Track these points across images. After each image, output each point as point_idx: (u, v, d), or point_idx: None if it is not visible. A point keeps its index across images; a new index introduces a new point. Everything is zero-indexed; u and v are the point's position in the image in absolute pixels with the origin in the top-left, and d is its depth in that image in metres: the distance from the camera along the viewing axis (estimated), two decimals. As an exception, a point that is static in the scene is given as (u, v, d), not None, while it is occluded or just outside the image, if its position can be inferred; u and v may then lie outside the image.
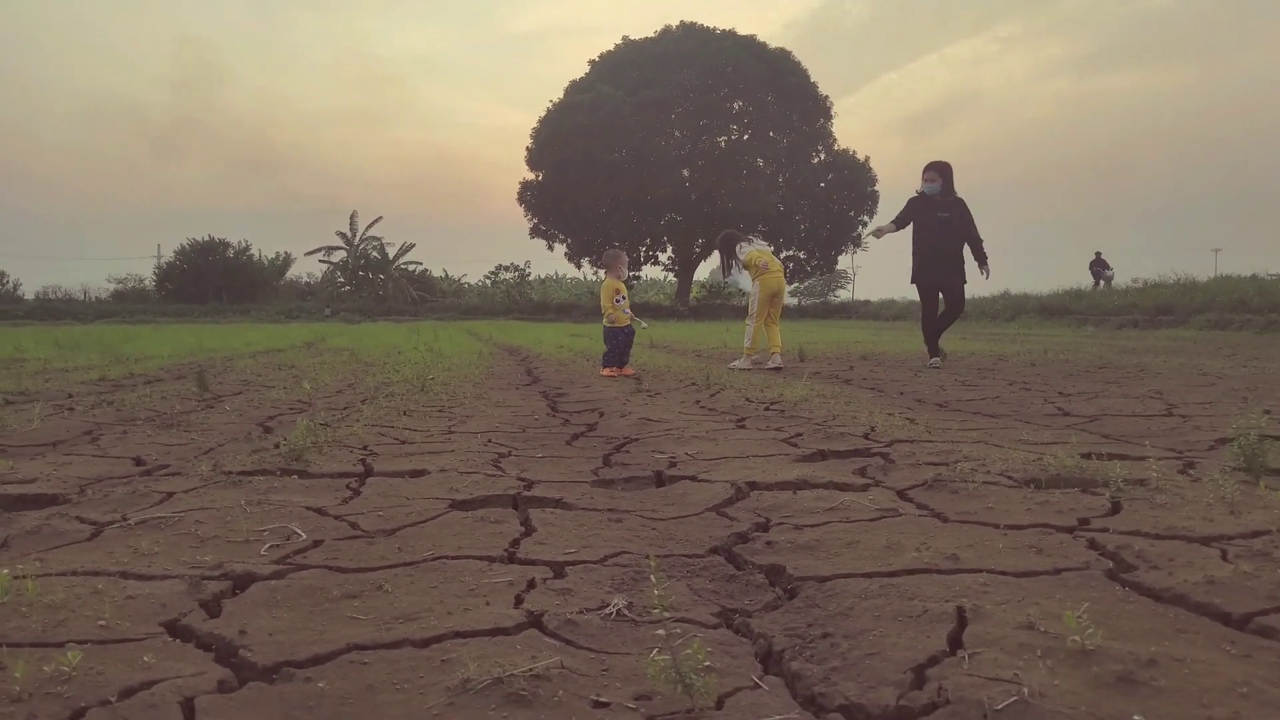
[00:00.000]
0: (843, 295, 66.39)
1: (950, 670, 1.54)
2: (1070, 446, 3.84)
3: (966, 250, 9.53)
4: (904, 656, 1.61)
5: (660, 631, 1.64)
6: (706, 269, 61.08)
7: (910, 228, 9.63)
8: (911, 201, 9.66)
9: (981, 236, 9.52)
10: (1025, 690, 1.42)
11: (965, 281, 9.63)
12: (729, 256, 10.25)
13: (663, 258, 52.75)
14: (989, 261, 9.55)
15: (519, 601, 1.97)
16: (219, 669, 1.62)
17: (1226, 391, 6.36)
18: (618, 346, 8.94)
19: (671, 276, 56.67)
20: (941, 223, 9.44)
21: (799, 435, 4.42)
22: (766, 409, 5.55)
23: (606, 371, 8.75)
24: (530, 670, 1.54)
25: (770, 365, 9.46)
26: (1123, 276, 32.55)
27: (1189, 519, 2.55)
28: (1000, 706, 1.38)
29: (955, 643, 1.68)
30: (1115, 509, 2.72)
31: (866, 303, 50.95)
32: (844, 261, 57.79)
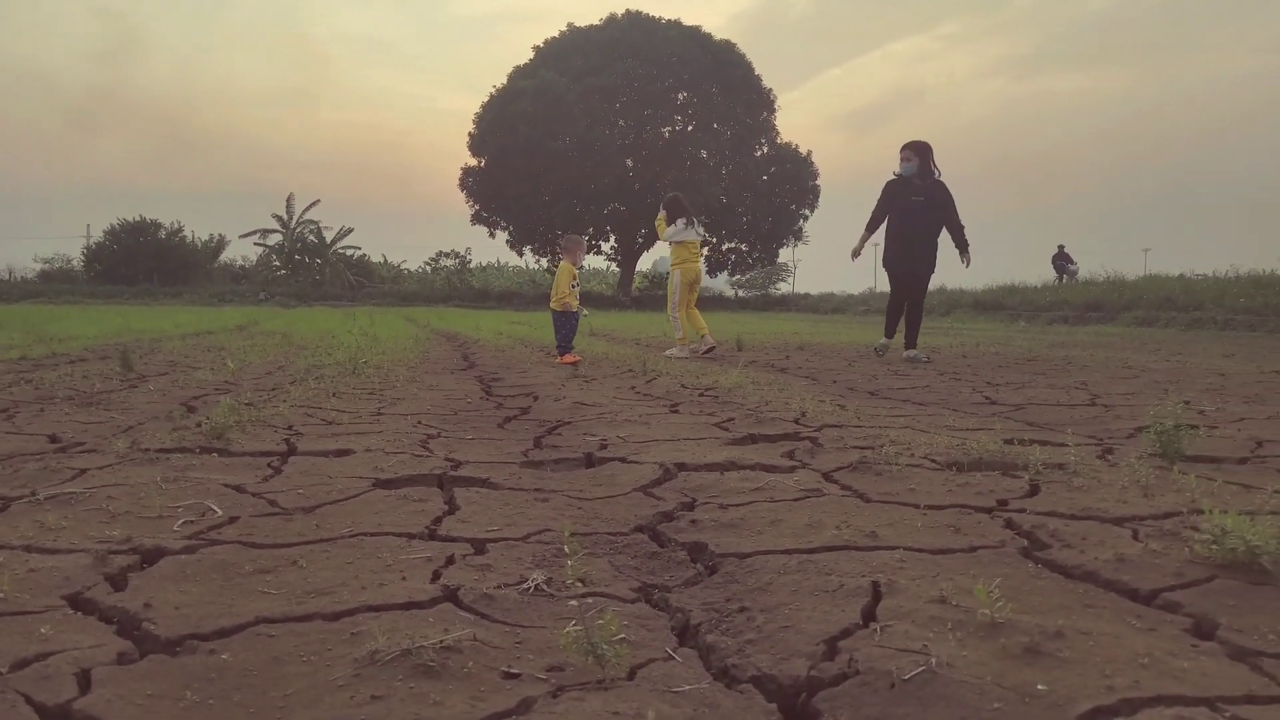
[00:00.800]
0: (783, 288, 66.84)
1: (862, 642, 1.55)
2: (994, 433, 3.90)
3: (944, 237, 9.06)
4: (817, 629, 1.62)
5: (573, 603, 1.63)
6: (650, 259, 61.18)
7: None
8: (887, 186, 9.15)
9: (963, 223, 9.05)
10: (933, 660, 1.43)
11: (932, 272, 9.22)
12: (674, 216, 10.06)
13: (605, 247, 52.62)
14: (970, 249, 9.08)
15: (436, 577, 1.95)
16: (120, 641, 1.58)
17: (1149, 384, 6.52)
18: (569, 332, 8.77)
19: (614, 266, 56.55)
20: (916, 206, 8.95)
21: (731, 420, 4.43)
22: (701, 395, 5.56)
23: (568, 359, 8.43)
24: (441, 642, 1.51)
25: (705, 349, 9.51)
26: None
27: (1103, 500, 2.60)
28: (908, 676, 1.39)
29: (869, 616, 1.69)
30: (1034, 491, 2.77)
31: (806, 295, 51.34)
32: (785, 254, 58.12)
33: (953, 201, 9.01)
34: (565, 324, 8.81)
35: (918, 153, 9.01)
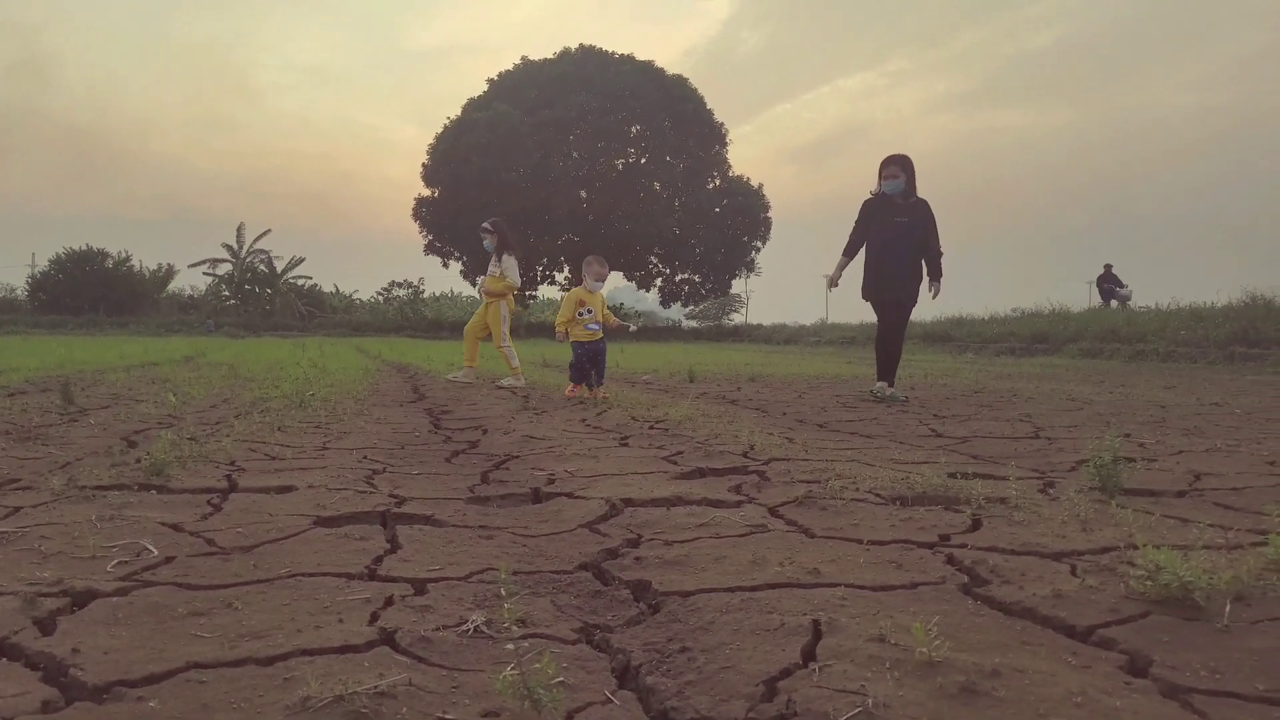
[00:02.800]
0: (736, 319, 67.22)
1: (801, 682, 1.55)
2: (938, 466, 3.93)
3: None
4: (758, 669, 1.62)
5: (510, 646, 1.62)
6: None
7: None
8: (866, 205, 8.11)
9: (942, 250, 8.02)
10: (870, 701, 1.44)
11: (914, 303, 8.16)
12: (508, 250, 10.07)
13: (559, 278, 52.68)
14: (941, 281, 8.04)
15: (374, 619, 1.92)
16: (45, 689, 1.54)
17: (1092, 416, 6.63)
18: (578, 362, 8.14)
19: (567, 297, 56.56)
20: (898, 228, 7.89)
21: (680, 453, 4.43)
22: (651, 428, 5.56)
23: (570, 391, 8.17)
24: (375, 688, 1.49)
25: (463, 378, 10.05)
26: (1002, 305, 31.79)
27: (1043, 535, 2.64)
28: (845, 717, 1.39)
29: (809, 655, 1.69)
30: (975, 525, 2.79)
31: (759, 326, 51.76)
32: (738, 285, 58.54)
33: (934, 223, 7.98)
34: (574, 353, 8.21)
35: (904, 168, 7.92)
